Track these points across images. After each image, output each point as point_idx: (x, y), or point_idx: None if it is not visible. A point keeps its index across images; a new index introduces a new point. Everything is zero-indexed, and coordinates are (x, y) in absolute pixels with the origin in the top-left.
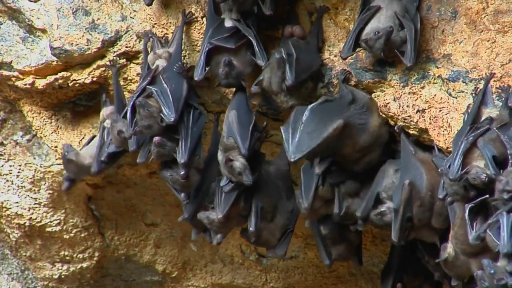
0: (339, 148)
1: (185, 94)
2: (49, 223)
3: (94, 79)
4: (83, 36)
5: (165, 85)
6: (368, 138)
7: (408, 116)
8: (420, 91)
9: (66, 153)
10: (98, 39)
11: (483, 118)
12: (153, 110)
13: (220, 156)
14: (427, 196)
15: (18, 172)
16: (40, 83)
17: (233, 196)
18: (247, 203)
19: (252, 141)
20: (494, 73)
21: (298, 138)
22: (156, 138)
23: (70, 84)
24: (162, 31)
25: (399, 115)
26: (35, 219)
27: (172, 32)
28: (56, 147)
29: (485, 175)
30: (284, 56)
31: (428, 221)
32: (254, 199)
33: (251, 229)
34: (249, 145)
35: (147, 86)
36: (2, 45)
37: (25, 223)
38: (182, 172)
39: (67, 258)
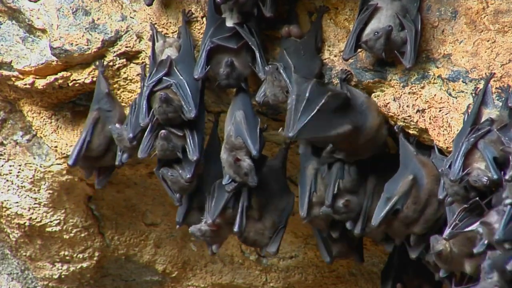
0: (337, 143)
1: (201, 87)
2: (49, 223)
3: (94, 79)
4: (83, 36)
5: (181, 77)
6: (362, 141)
7: (408, 116)
8: (420, 91)
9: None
10: (98, 39)
11: (483, 119)
12: (176, 105)
13: (224, 155)
14: (423, 199)
15: (18, 172)
16: (40, 83)
17: (223, 201)
18: (235, 209)
19: (261, 143)
20: (494, 73)
21: (307, 121)
22: (162, 131)
23: (70, 84)
24: (162, 31)
25: (399, 115)
26: (35, 219)
27: (172, 32)
28: (56, 147)
29: (487, 177)
30: (276, 68)
31: (410, 222)
32: (241, 198)
33: (235, 229)
34: (260, 147)
35: (164, 78)
36: (2, 45)
37: (25, 223)
38: (189, 176)
39: (67, 258)
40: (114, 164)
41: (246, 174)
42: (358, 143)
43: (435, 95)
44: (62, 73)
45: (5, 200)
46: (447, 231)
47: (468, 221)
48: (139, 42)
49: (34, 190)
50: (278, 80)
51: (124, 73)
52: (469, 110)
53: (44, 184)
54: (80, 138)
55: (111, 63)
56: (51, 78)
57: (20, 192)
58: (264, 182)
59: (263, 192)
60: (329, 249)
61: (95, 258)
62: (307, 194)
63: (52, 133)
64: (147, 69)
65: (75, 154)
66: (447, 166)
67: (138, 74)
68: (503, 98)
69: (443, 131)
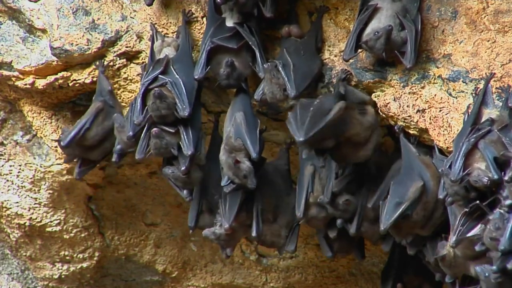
0: (348, 129)
1: (196, 87)
2: (49, 223)
3: (94, 79)
4: (83, 36)
5: (177, 76)
6: (370, 118)
7: (408, 116)
8: (420, 91)
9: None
10: (98, 39)
11: (483, 119)
12: (170, 101)
13: (223, 156)
14: (432, 203)
15: (18, 172)
16: (40, 83)
17: (237, 204)
18: (249, 211)
19: (261, 146)
20: (494, 73)
21: (308, 122)
22: (154, 129)
23: (70, 84)
24: (162, 31)
25: (399, 115)
26: (35, 219)
27: (172, 32)
28: (56, 147)
29: (487, 178)
30: (275, 65)
31: (418, 226)
32: (255, 203)
33: (253, 234)
34: (259, 149)
35: (159, 76)
36: (2, 45)
37: (25, 223)
38: (183, 168)
39: (67, 258)
40: (99, 160)
41: (245, 177)
42: (366, 124)
43: (435, 95)
44: (62, 73)
45: (5, 200)
46: (452, 239)
47: (469, 225)
48: (139, 42)
49: (34, 190)
50: (276, 78)
51: (124, 73)
52: (469, 110)
53: (44, 184)
54: (79, 122)
55: (111, 63)
56: (51, 78)
57: (20, 192)
58: (273, 183)
59: (274, 193)
60: (330, 244)
61: (95, 258)
62: (304, 194)
63: (52, 133)
64: None
65: (71, 136)
66: (447, 166)
67: (138, 74)
68: (503, 98)
69: (443, 131)
